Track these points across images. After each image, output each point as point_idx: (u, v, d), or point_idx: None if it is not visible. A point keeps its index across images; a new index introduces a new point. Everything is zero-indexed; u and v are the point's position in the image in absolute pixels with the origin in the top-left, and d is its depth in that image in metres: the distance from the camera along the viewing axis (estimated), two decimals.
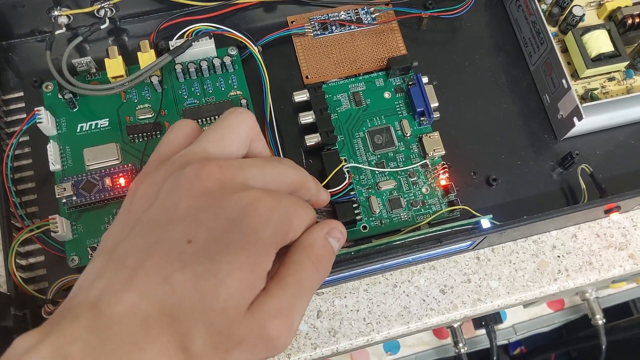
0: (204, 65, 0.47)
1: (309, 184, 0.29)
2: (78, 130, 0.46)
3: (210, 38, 0.47)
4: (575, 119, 0.47)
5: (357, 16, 0.52)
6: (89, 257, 0.42)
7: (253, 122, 0.28)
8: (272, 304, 0.24)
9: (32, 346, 0.20)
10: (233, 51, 0.48)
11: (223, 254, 0.22)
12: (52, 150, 0.44)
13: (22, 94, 0.48)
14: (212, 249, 0.22)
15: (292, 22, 0.51)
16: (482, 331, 0.83)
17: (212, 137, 0.27)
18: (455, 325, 0.80)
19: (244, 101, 0.47)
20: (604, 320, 0.81)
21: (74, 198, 0.43)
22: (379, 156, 0.47)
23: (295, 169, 0.28)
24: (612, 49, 0.49)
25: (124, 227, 0.24)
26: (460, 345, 0.79)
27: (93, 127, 0.46)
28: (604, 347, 0.81)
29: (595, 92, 0.50)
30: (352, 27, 0.51)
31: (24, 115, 0.47)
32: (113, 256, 0.23)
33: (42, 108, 0.43)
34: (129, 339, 0.20)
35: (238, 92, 0.48)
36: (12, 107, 0.47)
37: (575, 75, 0.50)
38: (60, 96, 0.46)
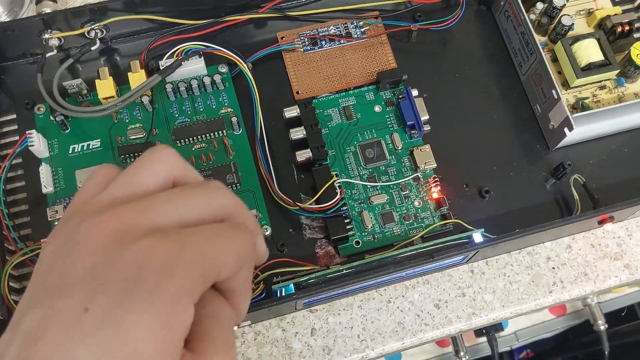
0: (195, 83, 0.47)
1: (242, 211, 0.25)
2: (70, 151, 0.46)
3: (200, 57, 0.47)
4: (566, 129, 0.47)
5: (347, 30, 0.52)
6: None
7: (174, 158, 0.24)
8: None
9: None
10: (223, 69, 0.49)
11: (127, 317, 0.20)
12: (44, 173, 0.44)
13: (15, 116, 0.48)
14: (114, 314, 0.20)
15: (282, 37, 0.52)
16: (484, 339, 0.83)
17: (121, 182, 0.23)
18: (456, 334, 0.80)
19: (234, 118, 0.47)
20: (606, 326, 0.80)
21: None
22: (370, 170, 0.48)
23: (223, 192, 0.24)
24: (602, 58, 0.49)
25: (31, 296, 0.22)
26: (462, 353, 0.79)
27: (85, 148, 0.46)
28: (606, 352, 0.81)
29: (587, 101, 0.50)
30: (342, 41, 0.52)
31: (17, 138, 0.47)
32: (17, 330, 0.20)
33: (33, 131, 0.44)
34: None
35: (229, 109, 0.48)
36: (5, 129, 0.48)
37: (566, 85, 0.50)
38: (52, 118, 0.46)
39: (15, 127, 0.48)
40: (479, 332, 0.81)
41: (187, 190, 0.23)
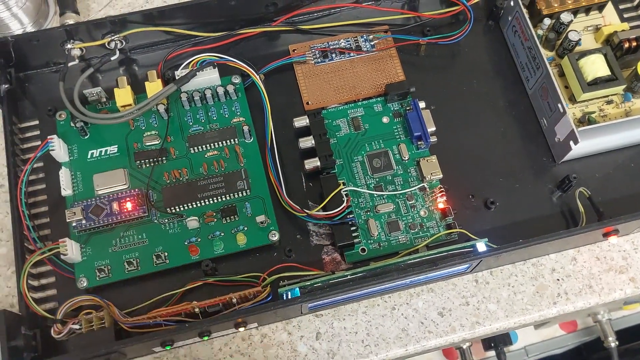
0: (208, 93, 0.49)
1: None
2: (89, 156, 0.48)
3: (214, 67, 0.49)
4: (571, 143, 0.47)
5: (357, 44, 0.53)
6: (97, 279, 0.44)
7: None
8: None
9: None
10: (236, 79, 0.50)
11: None
12: (64, 176, 0.46)
13: (37, 122, 0.50)
14: None
15: (293, 50, 0.53)
16: (492, 353, 0.83)
17: None
18: (464, 347, 0.80)
19: (246, 127, 0.48)
20: (617, 343, 0.79)
21: (84, 222, 0.45)
22: (377, 179, 0.49)
23: None
24: (609, 73, 0.49)
25: None
26: None
27: (103, 154, 0.48)
28: None
29: (593, 115, 0.50)
30: (352, 54, 0.53)
31: (39, 143, 0.49)
32: None
33: (54, 136, 0.46)
34: None
35: (241, 119, 0.50)
36: (28, 134, 0.50)
37: (572, 99, 0.51)
38: (72, 124, 0.48)
39: (38, 132, 0.50)
40: (487, 346, 0.81)
41: None
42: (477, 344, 0.82)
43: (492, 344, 0.80)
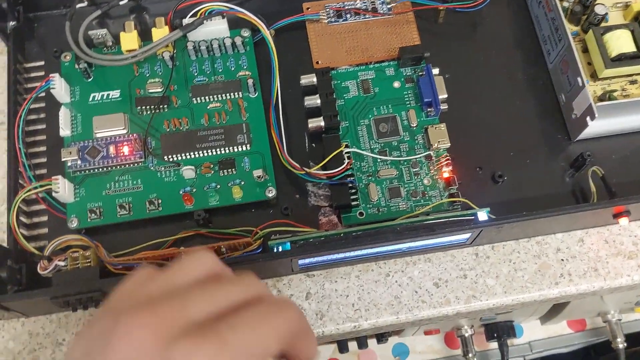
0: (215, 44, 0.48)
1: (274, 298, 0.25)
2: (90, 99, 0.47)
3: (223, 18, 0.48)
4: (588, 119, 0.45)
5: (373, 5, 0.52)
6: (88, 220, 0.43)
7: (212, 261, 0.25)
8: None
9: None
10: (245, 33, 0.49)
11: None
12: (63, 116, 0.45)
13: (42, 63, 0.50)
14: None
15: (307, 8, 0.52)
16: (495, 345, 0.80)
17: (160, 280, 0.24)
18: (466, 335, 0.78)
19: (250, 81, 0.47)
20: (625, 345, 0.77)
21: (79, 162, 0.44)
22: (382, 144, 0.47)
23: (256, 280, 0.25)
24: (634, 50, 0.47)
25: None
26: (470, 355, 0.77)
27: (105, 98, 0.47)
28: None
29: (615, 94, 0.48)
30: (367, 16, 0.51)
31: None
32: None
33: (56, 75, 0.45)
34: None
35: (247, 73, 0.48)
36: (33, 74, 0.49)
37: (594, 76, 0.48)
38: (76, 66, 0.47)
39: (42, 73, 0.49)
40: (490, 336, 0.78)
41: (221, 282, 0.24)
42: (479, 334, 0.80)
43: (495, 335, 0.77)
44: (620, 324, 0.78)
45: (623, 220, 0.44)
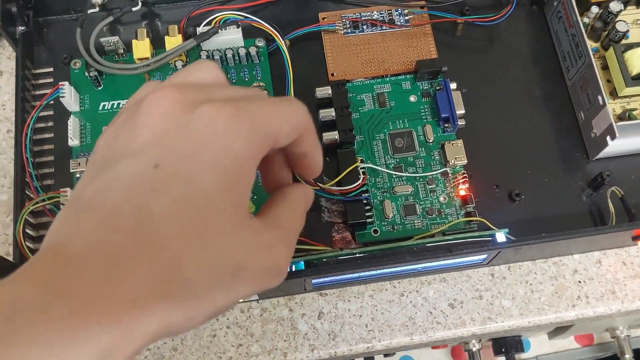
0: (229, 54, 0.47)
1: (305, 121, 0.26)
2: (100, 108, 0.46)
3: (237, 27, 0.47)
4: (608, 138, 0.44)
5: (390, 17, 0.51)
6: None
7: (216, 69, 0.26)
8: (272, 235, 0.24)
9: None
10: (260, 42, 0.48)
11: (198, 174, 0.21)
12: (72, 126, 0.44)
13: (51, 69, 0.49)
14: (185, 170, 0.21)
15: (323, 18, 0.51)
16: (502, 358, 0.80)
17: (177, 75, 0.26)
18: (474, 350, 0.77)
19: (265, 92, 0.46)
20: None
21: None
22: (397, 160, 0.46)
23: (264, 93, 0.28)
24: None
25: (88, 175, 0.23)
26: None
27: (115, 107, 0.46)
28: None
29: (635, 112, 0.47)
30: (384, 27, 0.50)
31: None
32: (79, 201, 0.21)
33: (66, 83, 0.44)
34: (98, 275, 0.19)
35: (261, 84, 0.47)
36: (41, 81, 0.48)
37: (614, 94, 0.47)
38: (86, 74, 0.46)
39: (51, 80, 0.48)
40: (498, 350, 0.77)
41: (243, 89, 0.27)
42: (487, 348, 0.79)
43: (503, 349, 0.76)
44: (629, 339, 0.78)
45: None
